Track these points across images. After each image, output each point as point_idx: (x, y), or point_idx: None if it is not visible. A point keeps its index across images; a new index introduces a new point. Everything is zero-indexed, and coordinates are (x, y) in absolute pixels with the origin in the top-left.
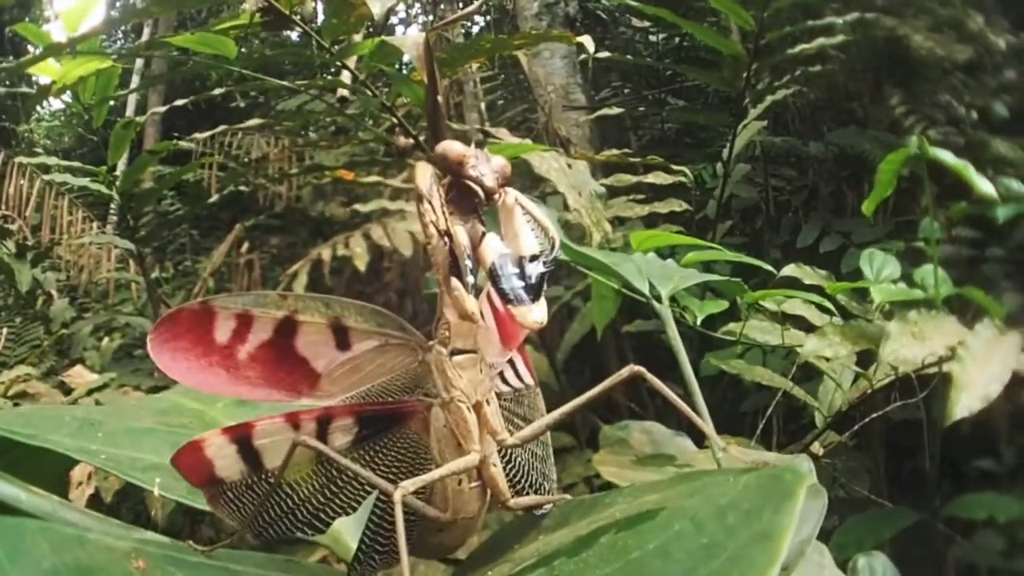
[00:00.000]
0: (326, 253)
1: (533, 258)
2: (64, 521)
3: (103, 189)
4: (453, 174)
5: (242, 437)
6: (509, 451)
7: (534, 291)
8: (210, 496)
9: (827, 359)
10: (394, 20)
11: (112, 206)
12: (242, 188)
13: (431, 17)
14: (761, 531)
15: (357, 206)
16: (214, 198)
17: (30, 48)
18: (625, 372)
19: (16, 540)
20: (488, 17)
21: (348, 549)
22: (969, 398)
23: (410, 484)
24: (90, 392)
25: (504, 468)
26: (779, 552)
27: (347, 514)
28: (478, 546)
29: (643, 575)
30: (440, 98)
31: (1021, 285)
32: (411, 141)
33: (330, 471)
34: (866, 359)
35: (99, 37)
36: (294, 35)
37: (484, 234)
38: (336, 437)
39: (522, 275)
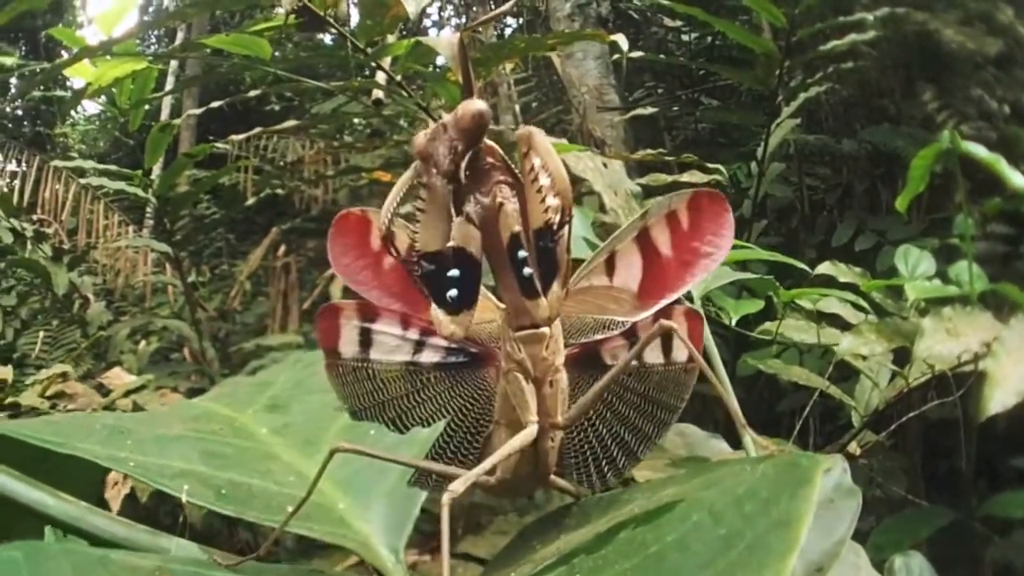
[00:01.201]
0: None
1: (540, 231)
2: (91, 527)
3: (139, 193)
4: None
5: (368, 316)
6: (580, 429)
7: (546, 274)
8: (327, 365)
9: (863, 358)
10: (427, 23)
11: (148, 210)
12: (278, 191)
13: (464, 19)
14: (779, 518)
15: None
16: (250, 201)
17: (64, 53)
18: (656, 328)
19: (40, 562)
20: (521, 19)
21: (378, 555)
22: (1004, 394)
23: (460, 486)
24: (127, 393)
25: (573, 444)
26: (797, 539)
27: (425, 426)
28: (502, 548)
29: (662, 569)
30: (475, 97)
31: None
32: None
33: (416, 385)
34: (902, 358)
35: (134, 40)
36: (328, 38)
37: (501, 204)
38: (428, 353)
39: (526, 261)
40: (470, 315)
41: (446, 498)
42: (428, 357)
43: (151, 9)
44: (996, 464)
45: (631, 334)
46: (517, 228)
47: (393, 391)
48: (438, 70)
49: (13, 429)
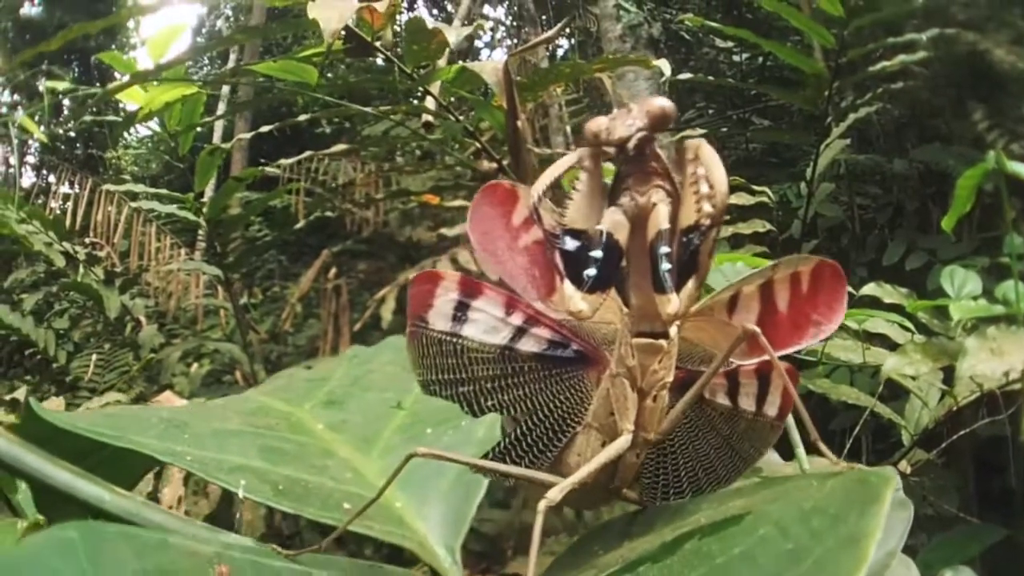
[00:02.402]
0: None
1: (688, 231)
2: (148, 522)
3: (190, 216)
4: (598, 149)
5: (469, 292)
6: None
7: (681, 273)
8: (411, 331)
9: (912, 377)
10: (479, 44)
11: (200, 232)
12: (328, 214)
13: (515, 41)
14: (847, 535)
15: (443, 230)
16: (300, 224)
17: (117, 76)
18: (741, 334)
19: (98, 544)
20: (572, 40)
21: (434, 555)
22: None
23: (557, 493)
24: None
25: (648, 464)
26: (865, 557)
27: (503, 413)
28: (563, 551)
29: None
30: (520, 123)
31: None
32: (494, 165)
33: (506, 371)
34: (952, 377)
35: (185, 64)
36: (380, 60)
37: (655, 205)
38: (527, 342)
39: (667, 257)
40: (602, 299)
41: (542, 505)
42: (527, 346)
43: (204, 30)
44: None
45: (732, 376)
46: (665, 227)
47: (478, 372)
48: (485, 95)
49: (69, 422)
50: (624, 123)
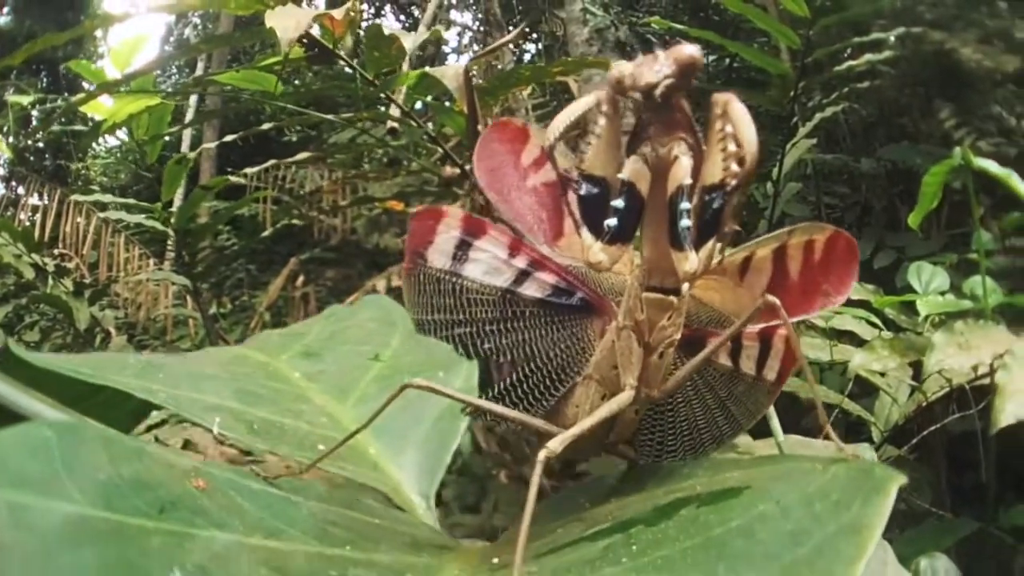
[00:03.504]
0: (381, 284)
1: (711, 189)
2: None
3: (158, 225)
4: (622, 96)
5: (472, 230)
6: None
7: (701, 231)
8: (408, 268)
9: (881, 374)
10: (446, 49)
11: (169, 242)
12: (296, 221)
13: (482, 45)
14: (850, 523)
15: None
16: (267, 232)
17: (86, 85)
18: (761, 303)
19: (74, 446)
20: (539, 44)
21: (408, 500)
22: (1016, 406)
23: (558, 444)
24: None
25: (644, 422)
26: (867, 546)
27: (499, 358)
28: (546, 501)
29: (724, 553)
30: (481, 127)
31: None
32: (457, 171)
33: (506, 314)
34: (922, 373)
35: (152, 74)
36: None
37: (676, 158)
38: (530, 286)
39: (687, 213)
40: (622, 250)
41: (542, 455)
42: (530, 290)
43: (172, 39)
44: (1023, 475)
45: (736, 338)
46: (687, 182)
47: (477, 314)
48: (448, 101)
49: (47, 361)
50: (652, 69)
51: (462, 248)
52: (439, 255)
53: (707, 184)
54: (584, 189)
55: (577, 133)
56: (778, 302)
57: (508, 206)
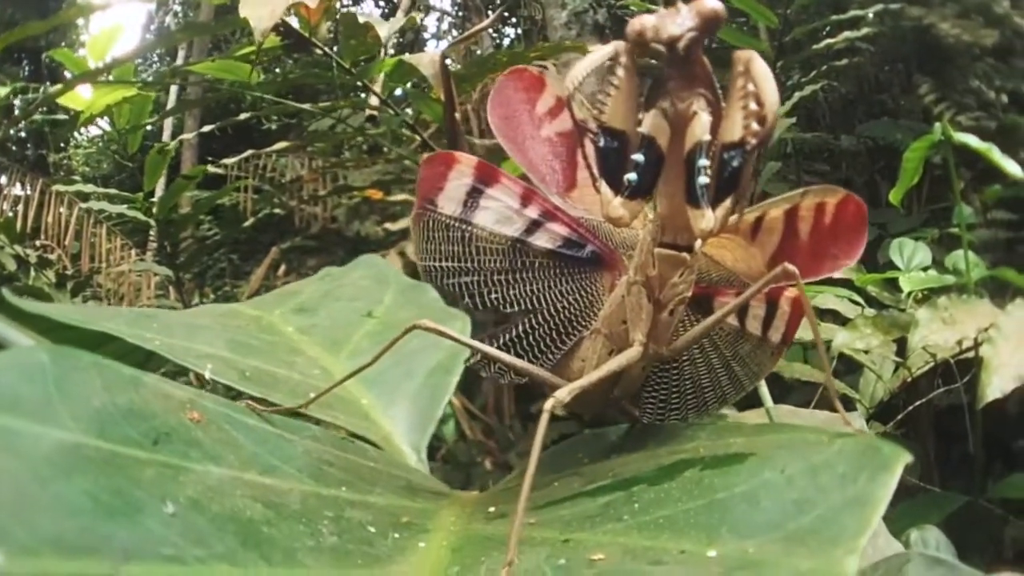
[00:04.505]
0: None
1: (730, 147)
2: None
3: (140, 216)
4: (642, 48)
5: (484, 177)
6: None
7: (719, 189)
8: (418, 212)
9: (865, 351)
10: (425, 35)
11: (151, 233)
12: (277, 211)
13: (461, 31)
14: (854, 496)
15: (387, 225)
16: (249, 222)
17: (68, 73)
18: (779, 270)
19: (69, 371)
20: (518, 29)
21: (399, 451)
22: (1001, 379)
23: (565, 393)
24: None
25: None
26: (871, 520)
27: (504, 308)
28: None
29: (727, 517)
30: (457, 114)
31: None
32: None
33: (515, 264)
34: (906, 349)
35: (131, 63)
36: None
37: (695, 114)
38: (540, 237)
39: (705, 170)
40: (642, 205)
41: (549, 404)
42: (541, 240)
43: (152, 27)
44: (1010, 445)
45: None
46: (705, 139)
47: (486, 263)
48: (425, 88)
49: (41, 309)
50: (675, 22)
51: (473, 195)
52: (449, 201)
53: (726, 142)
54: (603, 142)
55: (595, 84)
56: (796, 271)
57: (522, 155)
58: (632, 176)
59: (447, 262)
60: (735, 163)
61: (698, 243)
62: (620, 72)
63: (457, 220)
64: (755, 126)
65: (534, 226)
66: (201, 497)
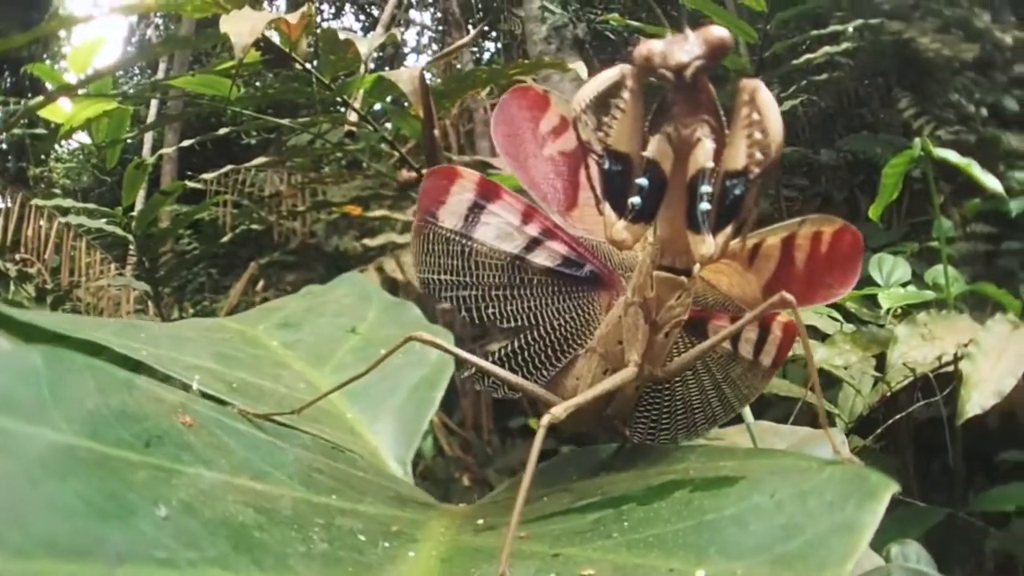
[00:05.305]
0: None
1: (733, 175)
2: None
3: (119, 231)
4: (649, 73)
5: (485, 193)
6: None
7: (720, 216)
8: (418, 225)
9: (844, 367)
10: (406, 49)
11: (131, 247)
12: (255, 226)
13: (441, 45)
14: (843, 522)
15: (365, 241)
16: (228, 236)
17: (49, 85)
18: (776, 299)
19: (62, 373)
20: (498, 43)
21: (385, 464)
22: (981, 395)
23: (561, 410)
24: None
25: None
26: (858, 546)
27: (502, 323)
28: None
29: (716, 538)
30: (436, 131)
31: None
32: (414, 175)
33: (514, 281)
34: (885, 363)
35: (110, 77)
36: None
37: (699, 140)
38: (540, 254)
39: (707, 197)
40: (645, 229)
41: (546, 420)
42: (540, 258)
43: (134, 39)
44: (991, 458)
45: (737, 321)
46: (708, 165)
47: (484, 278)
48: (404, 103)
49: (29, 317)
50: (683, 49)
51: (474, 210)
52: (451, 215)
53: (729, 169)
54: (608, 164)
55: (601, 106)
56: (793, 300)
57: (524, 172)
58: (636, 200)
59: (446, 275)
60: (737, 191)
61: (696, 267)
62: (626, 95)
63: (458, 234)
64: (759, 155)
65: (534, 244)
66: (193, 501)
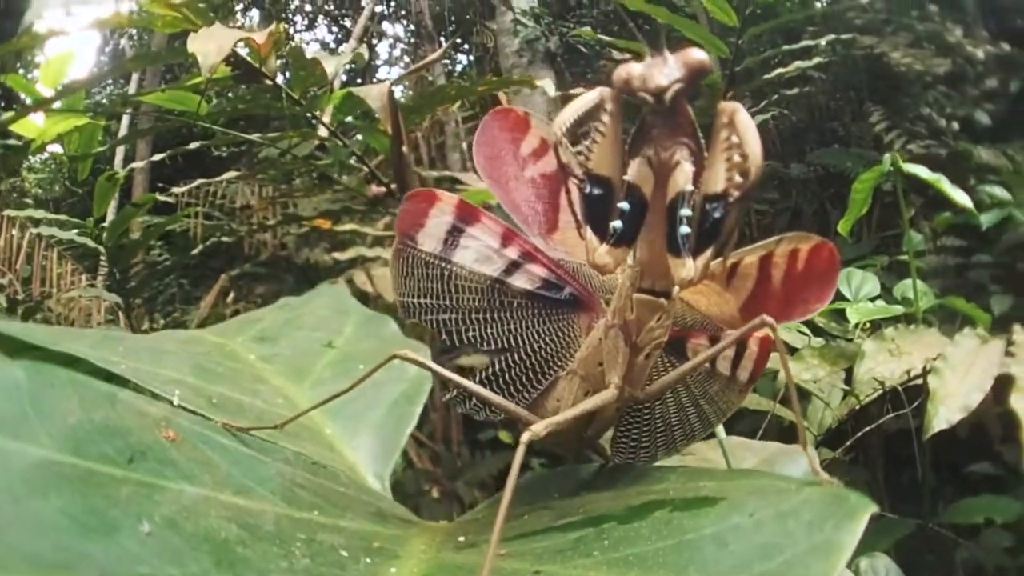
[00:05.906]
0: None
1: (713, 198)
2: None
3: (90, 242)
4: (629, 95)
5: (464, 217)
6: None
7: (700, 239)
8: (397, 248)
9: (813, 382)
10: (378, 62)
11: (102, 258)
12: (225, 238)
13: (413, 58)
14: (821, 543)
15: (336, 254)
16: (199, 248)
17: (23, 96)
18: (757, 322)
19: (44, 388)
20: (470, 56)
21: (364, 480)
22: (948, 410)
23: (542, 428)
24: None
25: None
26: (836, 566)
27: (482, 346)
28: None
29: (696, 557)
30: (405, 147)
31: (1008, 288)
32: (383, 189)
33: (494, 304)
34: (853, 379)
35: (82, 91)
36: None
37: (678, 163)
38: (519, 277)
39: (687, 220)
40: (626, 252)
41: (526, 437)
42: (520, 281)
43: (107, 50)
44: (961, 469)
45: (714, 340)
46: (688, 189)
47: (464, 301)
48: (373, 120)
49: (9, 329)
50: (662, 72)
51: (454, 234)
52: (430, 239)
53: (709, 193)
54: (589, 188)
55: (581, 130)
56: (774, 322)
57: (505, 195)
58: (618, 224)
59: (426, 299)
60: (717, 214)
61: (676, 289)
62: (606, 119)
63: (437, 258)
64: (738, 178)
65: (513, 266)
66: (176, 516)
